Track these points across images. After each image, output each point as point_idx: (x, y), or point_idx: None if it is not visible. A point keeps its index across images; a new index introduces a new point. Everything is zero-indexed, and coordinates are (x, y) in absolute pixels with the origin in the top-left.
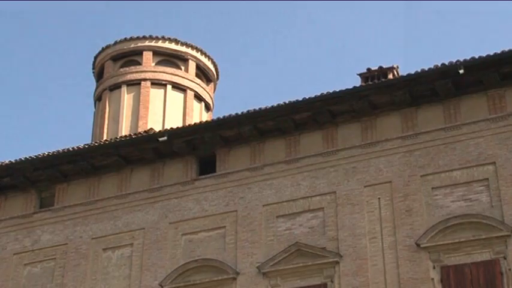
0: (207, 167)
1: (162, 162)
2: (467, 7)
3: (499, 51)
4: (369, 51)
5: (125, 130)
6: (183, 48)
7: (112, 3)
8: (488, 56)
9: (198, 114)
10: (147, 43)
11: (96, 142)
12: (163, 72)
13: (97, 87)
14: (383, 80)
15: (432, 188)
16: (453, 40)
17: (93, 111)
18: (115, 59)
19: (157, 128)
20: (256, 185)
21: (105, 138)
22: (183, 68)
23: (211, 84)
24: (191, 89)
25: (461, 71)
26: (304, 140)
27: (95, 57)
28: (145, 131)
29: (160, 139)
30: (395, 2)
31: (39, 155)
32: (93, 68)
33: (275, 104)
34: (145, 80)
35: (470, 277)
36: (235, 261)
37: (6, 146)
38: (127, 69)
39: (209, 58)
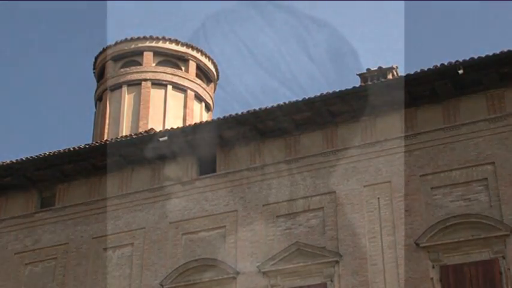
0: (207, 167)
1: (163, 162)
2: (467, 7)
3: (498, 52)
4: (369, 51)
5: (125, 130)
6: (184, 49)
7: (112, 3)
8: (487, 56)
9: (198, 114)
10: (147, 43)
11: (97, 142)
12: (164, 73)
13: (98, 88)
14: (383, 80)
15: (431, 188)
16: (453, 40)
17: (94, 111)
18: (116, 59)
19: (158, 128)
20: (256, 185)
21: (105, 138)
22: (183, 68)
23: (212, 84)
24: (191, 89)
25: (460, 71)
26: (304, 140)
27: (96, 58)
28: (145, 131)
29: (161, 139)
30: (395, 2)
31: (40, 154)
32: (94, 68)
33: (275, 104)
34: (145, 80)
35: (469, 276)
36: (235, 261)
37: (7, 146)
38: (127, 69)
39: (209, 58)
